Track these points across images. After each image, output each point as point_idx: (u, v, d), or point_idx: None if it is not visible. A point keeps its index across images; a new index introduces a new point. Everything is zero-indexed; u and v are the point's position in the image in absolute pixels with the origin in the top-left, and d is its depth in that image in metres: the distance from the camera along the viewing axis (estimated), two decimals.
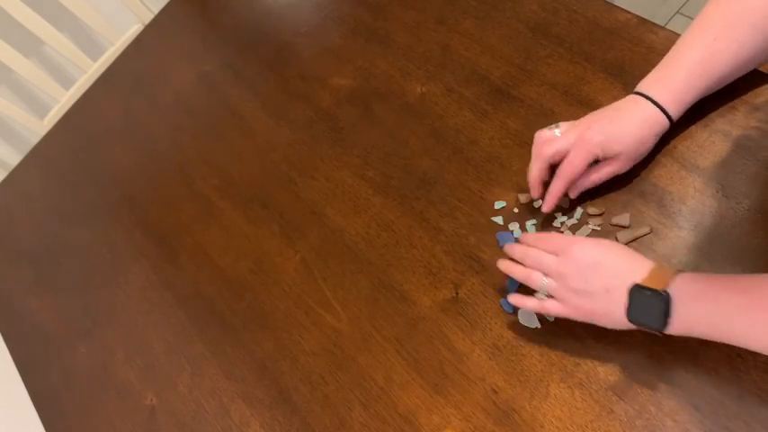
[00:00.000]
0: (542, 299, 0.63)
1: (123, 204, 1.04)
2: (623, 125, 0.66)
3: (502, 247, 0.73)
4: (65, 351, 0.95)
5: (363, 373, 0.74)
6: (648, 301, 0.55)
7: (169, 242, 0.96)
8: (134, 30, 1.41)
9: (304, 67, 1.01)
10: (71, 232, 1.06)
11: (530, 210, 0.74)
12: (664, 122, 0.66)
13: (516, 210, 0.75)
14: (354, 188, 0.86)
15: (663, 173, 0.70)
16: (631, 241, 0.68)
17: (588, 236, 0.70)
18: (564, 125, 0.70)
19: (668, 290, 0.54)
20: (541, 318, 0.68)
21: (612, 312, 0.58)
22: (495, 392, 0.67)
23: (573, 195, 0.70)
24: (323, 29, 1.03)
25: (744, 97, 0.70)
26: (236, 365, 0.81)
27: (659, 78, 0.67)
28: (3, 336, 1.02)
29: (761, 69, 0.71)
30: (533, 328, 0.68)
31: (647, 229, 0.68)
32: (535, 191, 0.71)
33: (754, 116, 0.69)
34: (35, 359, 0.97)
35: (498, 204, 0.76)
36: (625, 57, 0.79)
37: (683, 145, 0.71)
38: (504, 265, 0.67)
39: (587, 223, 0.71)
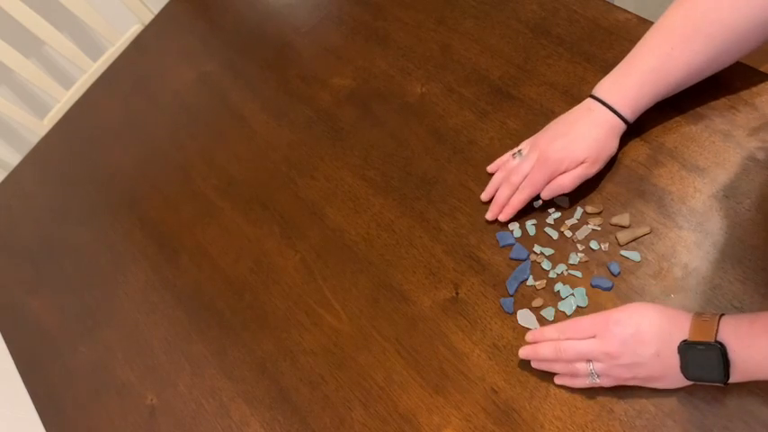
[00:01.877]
0: (594, 382, 0.61)
1: (123, 204, 1.04)
2: (580, 135, 0.68)
3: (502, 247, 0.73)
4: (65, 351, 0.95)
5: (363, 373, 0.74)
6: (703, 356, 0.54)
7: (169, 242, 0.96)
8: (134, 30, 1.41)
9: (304, 67, 1.01)
10: (71, 232, 1.06)
11: (529, 210, 0.74)
12: (620, 125, 0.68)
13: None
14: (354, 188, 0.86)
15: (663, 173, 0.70)
16: (631, 241, 0.68)
17: (588, 236, 0.70)
18: (525, 145, 0.74)
19: (719, 339, 0.53)
20: (541, 319, 0.68)
21: (667, 374, 0.57)
22: (495, 392, 0.67)
23: (545, 197, 0.71)
24: (323, 29, 1.03)
25: (744, 97, 0.70)
26: (236, 365, 0.81)
27: (614, 83, 0.68)
28: (3, 335, 1.02)
29: (761, 69, 0.71)
30: (533, 329, 0.68)
31: (647, 229, 0.68)
32: (495, 213, 0.74)
33: (753, 116, 0.69)
34: (35, 359, 0.97)
35: None
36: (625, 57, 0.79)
37: (683, 145, 0.71)
38: (538, 365, 0.64)
39: (587, 223, 0.71)
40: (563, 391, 0.64)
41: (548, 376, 0.65)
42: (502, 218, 0.73)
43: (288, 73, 1.02)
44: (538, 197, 0.72)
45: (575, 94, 0.79)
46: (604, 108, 0.67)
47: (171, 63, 1.17)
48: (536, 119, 0.79)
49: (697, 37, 0.63)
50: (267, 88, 1.02)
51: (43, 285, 1.03)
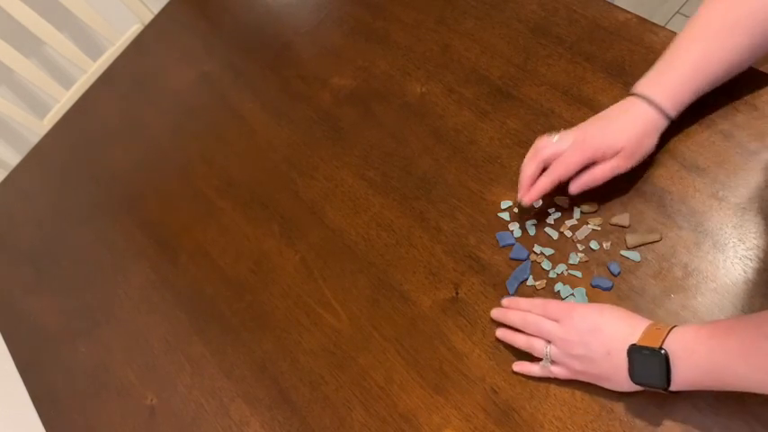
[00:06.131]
0: (546, 366, 0.64)
1: (123, 204, 1.04)
2: (621, 124, 0.67)
3: (502, 247, 0.73)
4: (65, 351, 0.95)
5: (363, 373, 0.74)
6: (648, 361, 0.55)
7: (169, 242, 0.96)
8: (134, 30, 1.41)
9: (304, 67, 1.01)
10: (71, 232, 1.06)
11: (529, 210, 0.74)
12: (662, 121, 0.67)
13: (516, 210, 0.75)
14: (354, 188, 0.86)
15: (663, 173, 0.70)
16: (639, 246, 0.67)
17: (588, 236, 0.70)
18: (563, 132, 0.70)
19: (665, 347, 0.55)
20: None
21: (616, 375, 0.59)
22: (495, 392, 0.67)
23: (573, 191, 0.69)
24: (323, 29, 1.03)
25: (744, 97, 0.70)
26: (236, 365, 0.81)
27: (656, 80, 0.67)
28: (3, 336, 1.02)
29: (761, 69, 0.71)
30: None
31: (657, 236, 0.67)
32: (524, 191, 0.70)
33: (754, 116, 0.69)
34: (35, 359, 0.97)
35: (505, 204, 0.76)
36: (625, 57, 0.79)
37: (684, 145, 0.71)
38: (502, 334, 0.68)
39: (587, 223, 0.71)
40: (563, 390, 0.64)
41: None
42: (525, 200, 0.70)
43: (288, 73, 1.02)
44: (539, 199, 0.72)
45: (575, 94, 0.79)
46: (645, 104, 0.66)
47: (171, 63, 1.17)
48: (536, 119, 0.79)
49: (736, 30, 0.63)
50: (267, 88, 1.02)
51: (43, 285, 1.03)
